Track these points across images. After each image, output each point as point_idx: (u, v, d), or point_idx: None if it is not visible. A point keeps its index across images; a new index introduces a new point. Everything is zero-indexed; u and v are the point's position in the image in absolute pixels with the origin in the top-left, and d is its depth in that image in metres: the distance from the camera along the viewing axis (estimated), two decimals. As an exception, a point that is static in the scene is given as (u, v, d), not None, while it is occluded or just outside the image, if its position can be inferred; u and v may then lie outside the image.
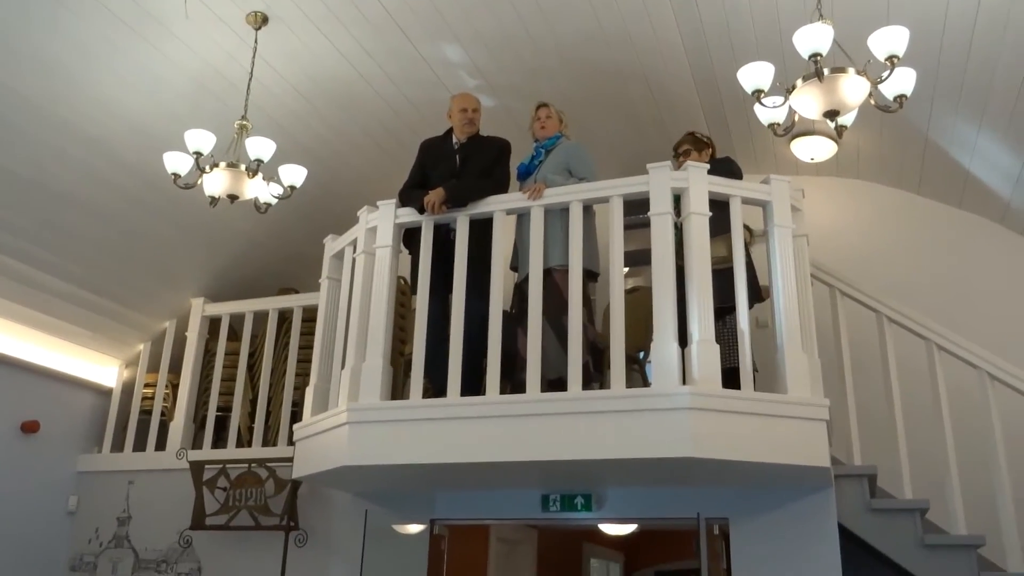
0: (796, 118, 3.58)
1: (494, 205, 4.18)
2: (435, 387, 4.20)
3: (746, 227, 4.64)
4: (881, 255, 5.53)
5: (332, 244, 4.73)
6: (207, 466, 5.16)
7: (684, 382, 3.57)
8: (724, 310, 4.01)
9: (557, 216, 4.15)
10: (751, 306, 3.93)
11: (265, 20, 4.45)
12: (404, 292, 5.26)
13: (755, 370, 4.01)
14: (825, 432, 3.66)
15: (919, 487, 4.11)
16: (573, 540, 7.82)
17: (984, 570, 3.88)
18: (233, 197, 4.29)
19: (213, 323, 5.97)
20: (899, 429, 4.19)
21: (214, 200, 4.31)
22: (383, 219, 4.31)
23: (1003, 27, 3.95)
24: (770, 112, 3.57)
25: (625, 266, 3.93)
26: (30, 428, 5.44)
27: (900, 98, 3.39)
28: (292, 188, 4.49)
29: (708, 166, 3.94)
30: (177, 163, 4.26)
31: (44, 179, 4.81)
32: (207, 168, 4.23)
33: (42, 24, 4.14)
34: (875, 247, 5.60)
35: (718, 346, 3.66)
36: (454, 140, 4.55)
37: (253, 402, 5.65)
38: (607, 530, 6.81)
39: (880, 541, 3.96)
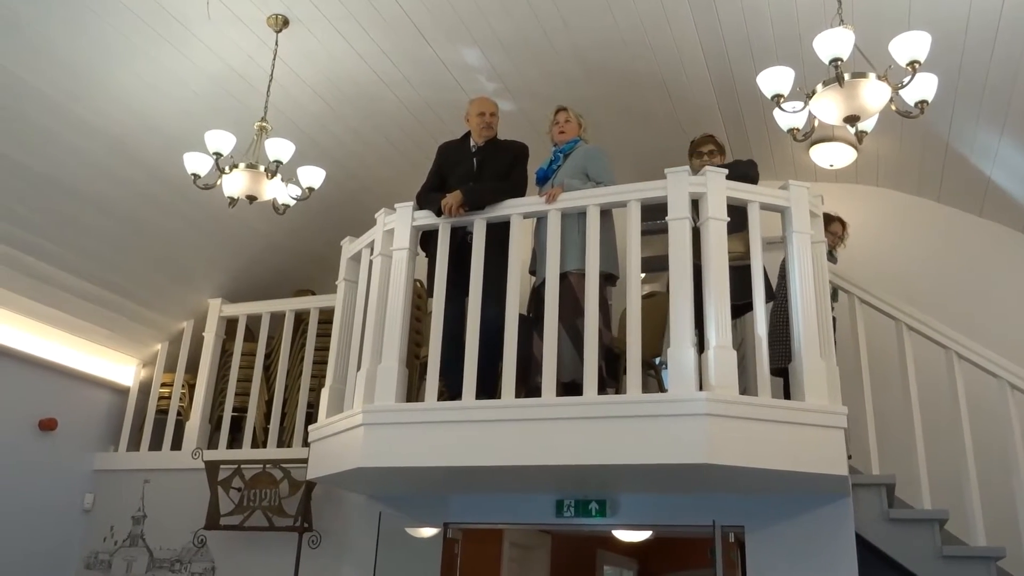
0: (816, 123, 3.57)
1: (511, 209, 4.18)
2: (450, 390, 4.20)
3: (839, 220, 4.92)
4: (901, 263, 5.50)
5: (349, 246, 4.74)
6: (222, 466, 5.18)
7: (701, 388, 3.55)
8: (741, 307, 3.99)
9: (574, 220, 4.14)
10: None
11: (286, 23, 4.47)
12: (420, 295, 5.27)
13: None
14: (843, 440, 3.63)
15: (938, 497, 4.07)
16: (587, 546, 7.80)
17: (1003, 582, 3.84)
18: (252, 198, 4.31)
19: (230, 324, 6.00)
20: (918, 438, 4.16)
21: (233, 201, 4.34)
22: (400, 222, 4.31)
23: (1027, 33, 3.92)
24: (790, 117, 3.56)
25: (643, 271, 3.91)
26: (47, 426, 5.48)
27: (921, 104, 3.36)
28: (310, 190, 4.51)
29: (726, 171, 3.92)
30: (197, 164, 4.29)
31: (64, 177, 4.85)
32: (226, 169, 4.26)
33: (65, 24, 4.18)
34: (895, 255, 5.56)
35: (735, 352, 3.64)
36: (472, 144, 4.55)
37: (269, 403, 5.66)
38: (621, 537, 6.79)
39: (898, 552, 3.92)
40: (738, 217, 3.87)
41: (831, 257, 4.88)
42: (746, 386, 3.97)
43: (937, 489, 4.08)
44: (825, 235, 4.99)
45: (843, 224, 5.18)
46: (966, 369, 4.22)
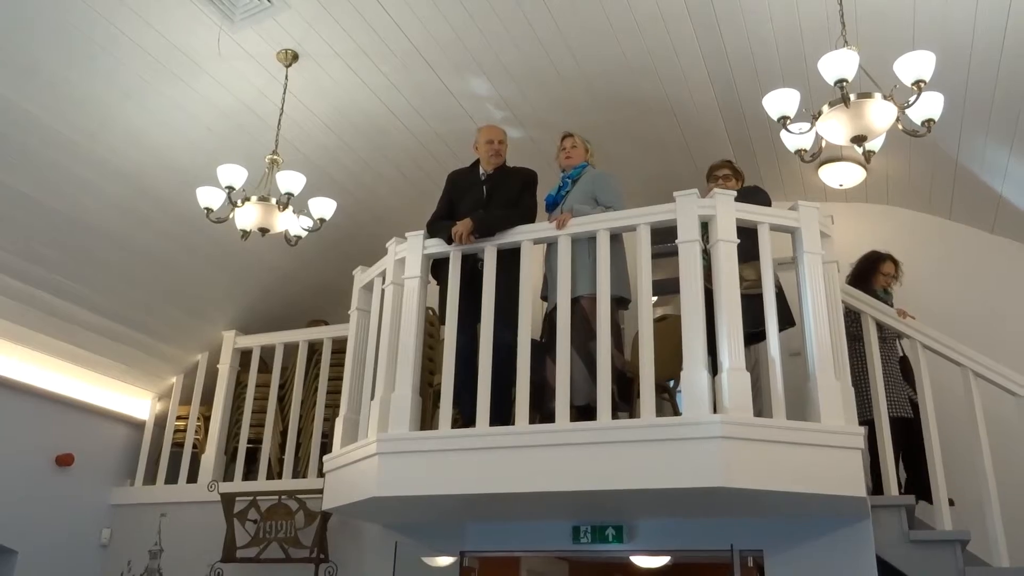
0: (823, 144, 3.57)
1: (521, 235, 4.20)
2: (464, 417, 4.19)
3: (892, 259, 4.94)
4: (913, 281, 5.46)
5: (361, 276, 4.76)
6: (238, 498, 5.18)
7: (715, 410, 3.53)
8: (756, 335, 3.97)
9: (584, 245, 4.15)
10: (782, 329, 3.89)
11: (295, 57, 4.54)
12: (432, 323, 5.28)
13: None
14: (860, 461, 3.59)
15: (959, 518, 4.02)
16: (605, 572, 7.71)
17: (1029, 603, 3.78)
18: (264, 230, 4.36)
19: (244, 355, 6.03)
20: (936, 458, 4.11)
21: (245, 233, 4.38)
22: (411, 250, 4.34)
23: (1032, 50, 3.93)
24: (797, 138, 3.57)
25: (654, 294, 3.91)
26: (64, 461, 5.50)
27: (928, 122, 3.36)
28: (322, 221, 4.54)
29: (735, 193, 3.93)
30: (210, 198, 4.34)
31: (79, 214, 4.91)
32: (239, 202, 4.31)
33: (80, 64, 4.26)
34: (907, 273, 5.52)
35: (748, 374, 3.62)
36: (481, 171, 4.58)
37: (283, 434, 5.67)
38: (639, 562, 6.70)
39: (920, 574, 3.87)
40: (749, 244, 3.87)
41: (887, 300, 4.84)
42: (760, 408, 3.94)
43: (958, 509, 4.03)
44: (878, 276, 4.98)
45: (895, 263, 5.11)
46: (983, 387, 4.18)
